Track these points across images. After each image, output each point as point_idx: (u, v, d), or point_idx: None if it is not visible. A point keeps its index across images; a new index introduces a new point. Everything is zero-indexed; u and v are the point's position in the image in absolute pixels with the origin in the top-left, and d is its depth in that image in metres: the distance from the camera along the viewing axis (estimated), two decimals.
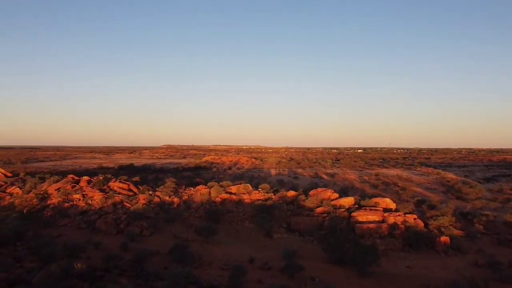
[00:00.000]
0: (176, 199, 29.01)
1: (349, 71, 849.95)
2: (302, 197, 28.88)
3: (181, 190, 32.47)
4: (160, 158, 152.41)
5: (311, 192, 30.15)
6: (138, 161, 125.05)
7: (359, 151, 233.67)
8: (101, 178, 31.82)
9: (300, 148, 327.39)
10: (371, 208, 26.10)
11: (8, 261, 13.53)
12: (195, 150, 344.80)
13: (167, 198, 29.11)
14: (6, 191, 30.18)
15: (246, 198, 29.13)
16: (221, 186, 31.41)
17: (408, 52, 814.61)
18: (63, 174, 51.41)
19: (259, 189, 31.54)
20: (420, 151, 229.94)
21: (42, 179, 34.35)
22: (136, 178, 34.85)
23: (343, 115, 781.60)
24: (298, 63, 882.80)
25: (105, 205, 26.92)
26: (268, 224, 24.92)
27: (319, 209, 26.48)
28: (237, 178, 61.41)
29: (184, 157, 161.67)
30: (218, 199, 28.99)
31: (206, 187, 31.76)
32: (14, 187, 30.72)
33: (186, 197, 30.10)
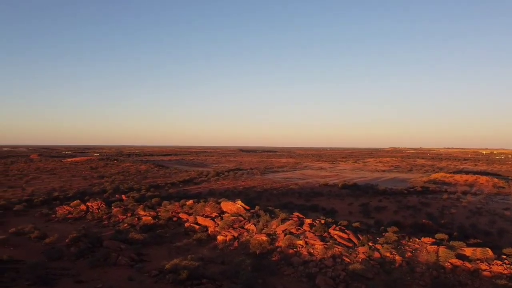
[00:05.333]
0: (398, 257, 26.88)
1: None
2: None
3: (404, 242, 30.02)
4: (384, 171, 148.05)
5: None
6: (361, 175, 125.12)
7: None
8: (322, 221, 32.71)
9: None
10: None
11: None
12: (423, 156, 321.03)
13: (388, 254, 27.33)
14: (245, 227, 34.58)
15: (484, 268, 24.38)
16: (451, 247, 27.31)
17: None
18: (283, 193, 56.01)
19: (503, 256, 25.89)
20: None
21: (273, 214, 37.95)
22: (357, 224, 34.11)
23: None
24: None
25: (325, 256, 27.35)
26: None
27: None
28: (473, 213, 53.07)
29: (411, 170, 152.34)
30: (447, 265, 25.29)
31: (434, 244, 28.27)
32: (250, 223, 34.93)
33: (410, 254, 27.54)
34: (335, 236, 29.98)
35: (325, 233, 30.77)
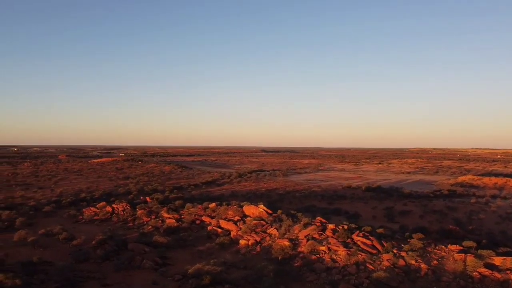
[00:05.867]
0: (423, 265, 26.27)
1: None
2: None
3: (430, 249, 29.34)
4: (409, 172, 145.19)
5: None
6: (385, 177, 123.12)
7: None
8: (345, 227, 32.33)
9: None
10: None
11: None
12: (450, 157, 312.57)
13: (413, 262, 26.75)
14: (267, 232, 34.57)
15: None
16: (479, 255, 26.51)
17: None
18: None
19: None
20: None
21: (295, 219, 37.82)
22: (381, 230, 33.55)
23: None
24: None
25: (349, 263, 27.02)
26: None
27: None
28: (504, 219, 51.39)
29: (437, 172, 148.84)
30: (475, 275, 24.55)
31: (461, 252, 27.51)
32: (272, 228, 34.89)
33: (436, 262, 26.89)
34: (359, 243, 29.57)
35: (348, 239, 30.39)
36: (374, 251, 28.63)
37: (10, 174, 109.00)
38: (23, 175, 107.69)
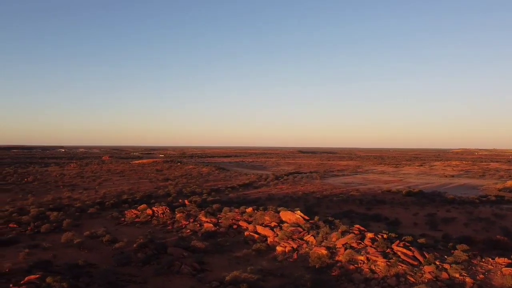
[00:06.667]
0: (468, 279, 25.13)
1: None
2: None
3: (475, 261, 28.04)
4: (453, 176, 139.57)
5: None
6: (427, 180, 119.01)
7: None
8: (385, 236, 31.55)
9: None
10: None
11: None
12: (497, 158, 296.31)
13: (457, 275, 25.64)
14: (304, 239, 34.32)
15: None
16: None
17: None
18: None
19: None
20: None
21: (333, 225, 37.33)
22: (422, 240, 32.39)
23: None
24: None
25: (388, 274, 26.32)
26: None
27: None
28: None
29: (483, 175, 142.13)
30: None
31: (510, 265, 26.11)
32: (309, 235, 34.59)
33: (482, 276, 25.65)
34: (399, 253, 28.74)
35: (388, 249, 29.61)
36: (415, 263, 27.73)
37: (58, 175, 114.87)
38: (69, 176, 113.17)
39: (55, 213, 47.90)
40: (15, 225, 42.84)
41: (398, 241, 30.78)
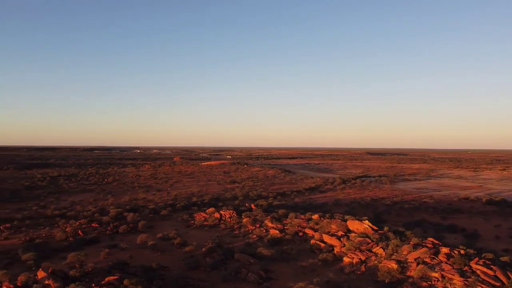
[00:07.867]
0: None
1: None
2: None
3: None
4: None
5: None
6: (511, 187, 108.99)
7: None
8: (462, 252, 29.40)
9: None
10: None
11: None
12: None
13: None
14: (372, 250, 33.10)
15: None
16: None
17: None
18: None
19: None
20: None
21: (403, 237, 35.58)
22: (505, 259, 29.71)
23: None
24: None
25: None
26: None
27: None
28: None
29: None
30: None
31: None
32: (378, 247, 33.29)
33: None
34: (478, 272, 26.61)
35: (466, 267, 27.54)
36: (498, 284, 25.49)
37: (134, 176, 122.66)
38: (144, 177, 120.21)
39: (131, 214, 51.24)
40: (97, 225, 46.58)
41: (477, 258, 28.51)
